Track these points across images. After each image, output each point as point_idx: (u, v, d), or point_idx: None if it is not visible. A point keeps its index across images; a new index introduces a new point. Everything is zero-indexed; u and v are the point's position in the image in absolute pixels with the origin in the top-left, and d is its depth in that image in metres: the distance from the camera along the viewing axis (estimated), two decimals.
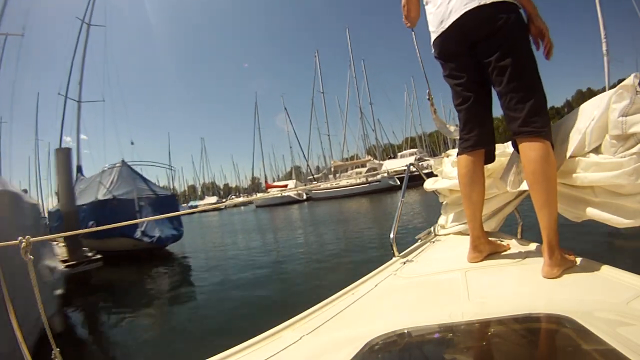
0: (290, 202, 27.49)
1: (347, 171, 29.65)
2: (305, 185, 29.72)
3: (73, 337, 3.90)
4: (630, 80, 0.93)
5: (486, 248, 1.21)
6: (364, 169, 27.90)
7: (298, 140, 39.83)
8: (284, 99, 45.77)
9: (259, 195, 25.09)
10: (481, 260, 1.19)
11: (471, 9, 1.09)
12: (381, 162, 29.21)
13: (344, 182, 25.15)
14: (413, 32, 1.59)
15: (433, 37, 1.25)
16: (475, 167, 1.22)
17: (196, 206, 46.91)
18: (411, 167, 1.94)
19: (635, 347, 0.49)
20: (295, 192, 26.84)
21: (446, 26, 1.17)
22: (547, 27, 1.12)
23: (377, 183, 23.71)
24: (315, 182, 31.00)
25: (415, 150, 36.50)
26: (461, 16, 1.11)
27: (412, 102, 50.06)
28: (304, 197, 28.38)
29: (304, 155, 38.92)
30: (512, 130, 1.08)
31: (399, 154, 36.34)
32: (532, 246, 1.23)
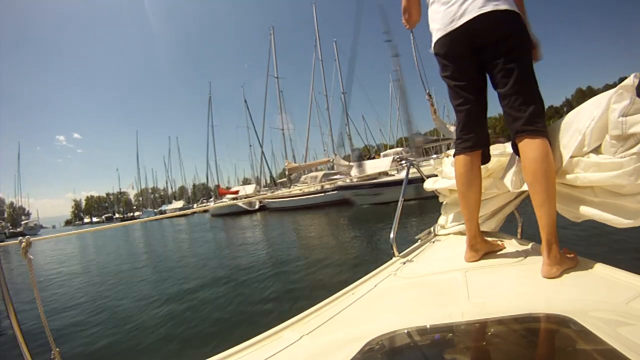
0: (241, 211, 23.00)
1: (302, 175, 23.63)
2: (269, 190, 25.93)
3: None
4: (630, 80, 0.93)
5: (483, 247, 1.22)
6: (320, 173, 22.29)
7: (258, 138, 32.49)
8: (244, 90, 39.44)
9: (211, 204, 21.03)
10: (479, 260, 1.19)
11: (486, 12, 1.10)
12: (351, 163, 21.14)
13: (296, 191, 19.65)
14: (412, 34, 1.58)
15: (438, 35, 1.23)
16: (473, 167, 1.23)
17: (165, 211, 42.81)
18: (411, 166, 1.92)
19: (635, 347, 0.49)
20: (247, 200, 22.53)
21: (456, 26, 1.16)
22: (538, 41, 1.21)
23: (335, 193, 17.17)
24: (275, 188, 26.13)
25: (401, 149, 28.69)
26: (474, 18, 1.12)
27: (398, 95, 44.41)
28: (256, 206, 23.44)
29: (262, 153, 31.97)
30: (514, 129, 1.08)
31: (382, 154, 28.34)
32: (532, 246, 1.23)
